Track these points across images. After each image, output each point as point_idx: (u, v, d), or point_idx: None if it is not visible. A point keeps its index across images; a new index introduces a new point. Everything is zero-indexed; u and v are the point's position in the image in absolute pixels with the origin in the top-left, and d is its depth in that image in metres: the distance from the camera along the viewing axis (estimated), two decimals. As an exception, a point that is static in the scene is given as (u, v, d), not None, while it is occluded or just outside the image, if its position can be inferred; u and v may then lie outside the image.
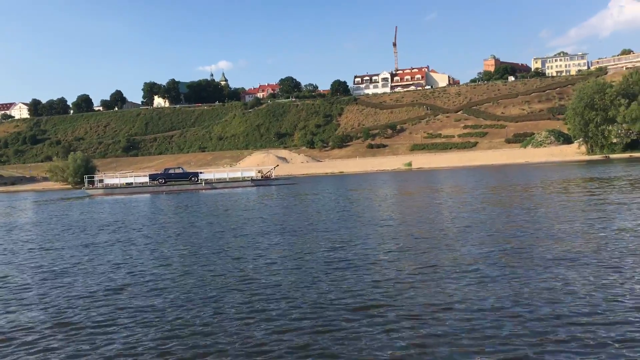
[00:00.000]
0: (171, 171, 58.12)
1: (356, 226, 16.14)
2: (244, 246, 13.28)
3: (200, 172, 59.26)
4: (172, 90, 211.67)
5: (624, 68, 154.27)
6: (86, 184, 59.65)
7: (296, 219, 19.08)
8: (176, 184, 54.85)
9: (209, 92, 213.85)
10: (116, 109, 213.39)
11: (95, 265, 11.71)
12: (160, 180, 55.61)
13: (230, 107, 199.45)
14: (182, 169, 62.18)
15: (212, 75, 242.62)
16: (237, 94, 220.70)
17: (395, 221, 17.16)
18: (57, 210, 33.25)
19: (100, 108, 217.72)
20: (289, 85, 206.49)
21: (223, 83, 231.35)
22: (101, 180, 60.05)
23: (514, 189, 28.84)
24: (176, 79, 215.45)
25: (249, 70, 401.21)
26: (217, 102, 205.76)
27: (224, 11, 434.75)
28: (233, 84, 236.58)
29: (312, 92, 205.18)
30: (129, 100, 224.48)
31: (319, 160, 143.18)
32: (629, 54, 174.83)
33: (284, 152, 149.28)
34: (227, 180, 57.04)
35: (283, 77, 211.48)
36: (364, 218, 18.32)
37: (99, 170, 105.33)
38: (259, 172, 60.25)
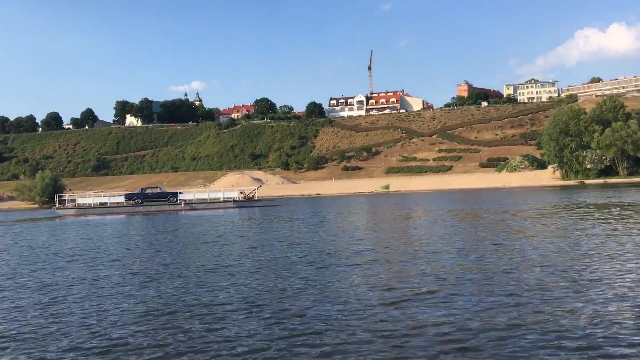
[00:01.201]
0: (149, 191, 55.35)
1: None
2: (259, 288, 11.69)
3: (180, 192, 57.19)
4: (145, 109, 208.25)
5: (594, 96, 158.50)
6: (57, 204, 56.85)
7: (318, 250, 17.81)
8: (154, 205, 52.67)
9: (182, 112, 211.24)
10: (87, 127, 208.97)
11: (50, 324, 8.63)
12: (137, 200, 53.15)
13: (204, 127, 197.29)
14: (160, 188, 59.83)
15: (186, 95, 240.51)
16: (211, 114, 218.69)
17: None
18: (23, 234, 30.85)
19: (70, 126, 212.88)
20: (264, 107, 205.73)
21: (197, 103, 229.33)
22: (73, 200, 57.44)
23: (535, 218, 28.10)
24: (149, 98, 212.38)
25: (223, 90, 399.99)
26: (190, 122, 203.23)
27: (197, 31, 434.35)
28: (207, 104, 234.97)
29: (287, 113, 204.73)
30: (100, 118, 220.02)
31: (294, 182, 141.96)
32: (598, 82, 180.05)
33: (258, 173, 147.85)
34: (208, 201, 55.19)
35: (258, 98, 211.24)
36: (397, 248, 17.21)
37: (69, 189, 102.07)
38: (241, 192, 58.06)
